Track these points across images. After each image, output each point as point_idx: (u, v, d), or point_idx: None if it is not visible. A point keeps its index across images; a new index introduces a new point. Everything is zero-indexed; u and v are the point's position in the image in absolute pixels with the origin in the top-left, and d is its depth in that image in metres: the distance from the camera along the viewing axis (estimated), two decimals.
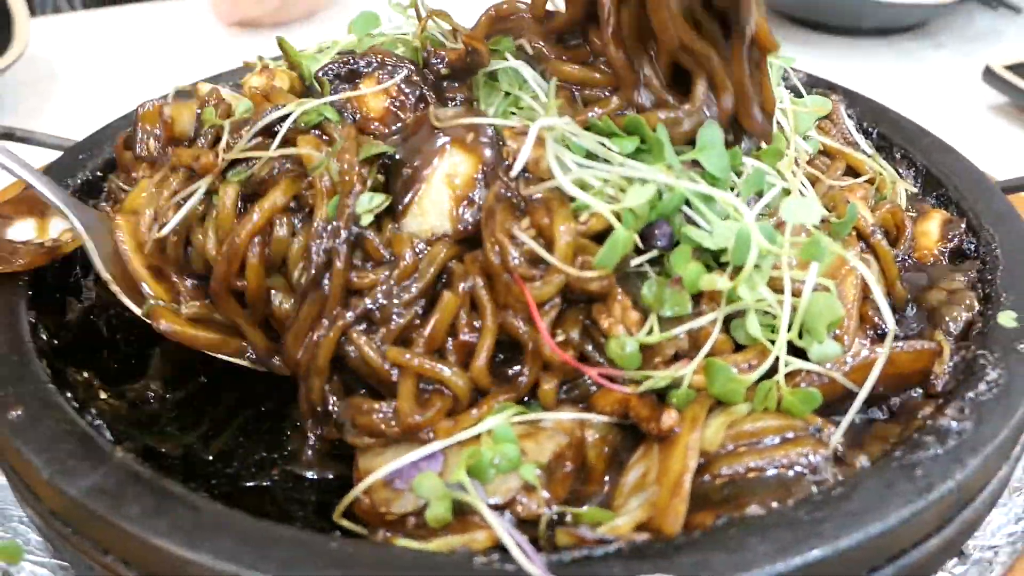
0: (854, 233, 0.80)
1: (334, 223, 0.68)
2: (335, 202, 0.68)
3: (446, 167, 0.69)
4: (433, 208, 0.69)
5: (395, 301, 0.67)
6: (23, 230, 0.81)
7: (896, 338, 0.74)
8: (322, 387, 0.68)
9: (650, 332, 0.67)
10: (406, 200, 0.70)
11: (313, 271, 0.67)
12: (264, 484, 0.70)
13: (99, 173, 0.90)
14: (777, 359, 0.67)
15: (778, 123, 0.86)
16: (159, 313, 0.73)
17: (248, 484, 0.69)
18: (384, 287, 0.67)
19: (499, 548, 0.57)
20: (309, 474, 0.70)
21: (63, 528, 0.63)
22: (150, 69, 1.45)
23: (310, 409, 0.69)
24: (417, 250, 0.68)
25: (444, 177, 0.69)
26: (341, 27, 0.95)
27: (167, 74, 1.41)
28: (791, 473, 0.63)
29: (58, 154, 0.94)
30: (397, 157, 0.72)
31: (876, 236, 0.81)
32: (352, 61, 0.78)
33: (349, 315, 0.67)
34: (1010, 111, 1.34)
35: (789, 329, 0.67)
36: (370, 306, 0.67)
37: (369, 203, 0.69)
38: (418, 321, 0.68)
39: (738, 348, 0.69)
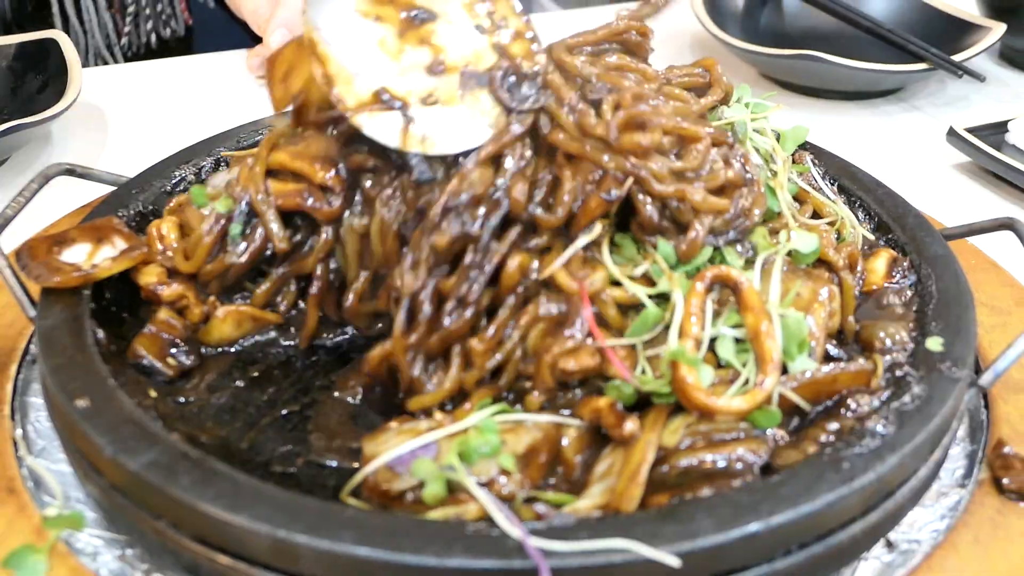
0: (826, 273, 0.92)
1: None
2: None
3: None
4: None
5: None
6: (77, 253, 0.93)
7: (839, 360, 0.86)
8: None
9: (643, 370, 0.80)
10: None
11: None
12: (290, 471, 0.81)
13: (150, 206, 1.03)
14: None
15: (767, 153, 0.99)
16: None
17: (276, 470, 0.81)
18: None
19: (486, 519, 0.69)
20: (330, 463, 0.82)
21: (121, 499, 0.74)
22: (189, 115, 1.59)
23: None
24: None
25: None
26: None
27: (204, 120, 1.55)
28: (739, 465, 0.74)
29: (112, 188, 1.07)
30: None
31: (844, 272, 0.92)
32: None
33: None
34: (971, 168, 1.46)
35: None
36: None
37: None
38: None
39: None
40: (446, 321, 0.81)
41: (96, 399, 0.77)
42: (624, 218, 0.86)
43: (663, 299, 0.83)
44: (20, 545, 0.74)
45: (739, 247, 0.86)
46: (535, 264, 0.82)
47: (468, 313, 0.81)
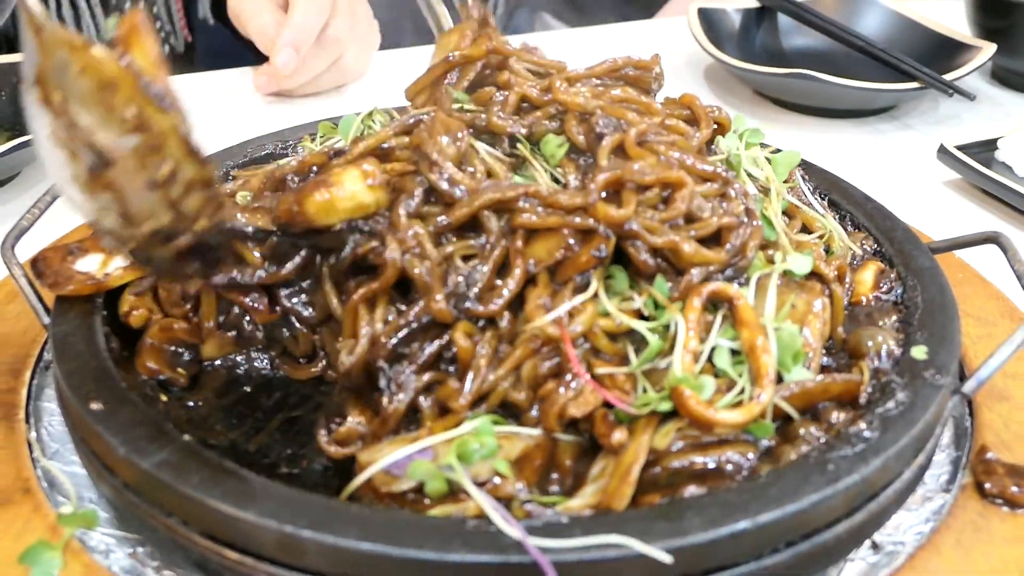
0: (818, 285, 0.95)
1: None
2: None
3: None
4: None
5: None
6: (90, 263, 0.96)
7: (829, 369, 0.89)
8: None
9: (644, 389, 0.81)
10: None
11: None
12: (296, 472, 0.84)
13: None
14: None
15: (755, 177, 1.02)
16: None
17: (283, 471, 0.84)
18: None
19: (485, 517, 0.71)
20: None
21: (133, 497, 0.77)
22: (198, 130, 1.62)
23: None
24: None
25: None
26: (367, 99, 1.09)
27: (212, 135, 1.57)
28: (728, 467, 0.77)
29: None
30: None
31: (835, 285, 0.95)
32: None
33: None
34: (961, 185, 1.49)
35: None
36: None
37: None
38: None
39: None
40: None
41: (109, 402, 0.80)
42: (616, 253, 0.86)
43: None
44: (35, 541, 0.77)
45: (735, 284, 0.87)
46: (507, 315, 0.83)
47: (403, 402, 0.82)
